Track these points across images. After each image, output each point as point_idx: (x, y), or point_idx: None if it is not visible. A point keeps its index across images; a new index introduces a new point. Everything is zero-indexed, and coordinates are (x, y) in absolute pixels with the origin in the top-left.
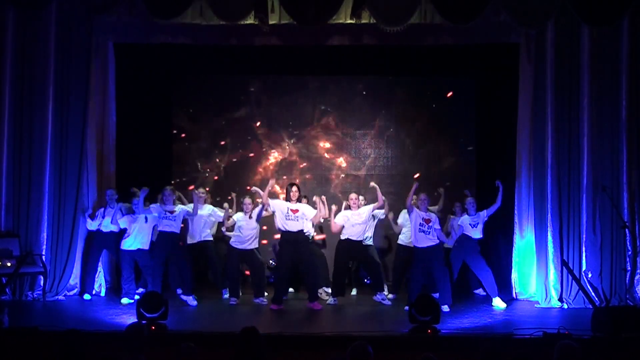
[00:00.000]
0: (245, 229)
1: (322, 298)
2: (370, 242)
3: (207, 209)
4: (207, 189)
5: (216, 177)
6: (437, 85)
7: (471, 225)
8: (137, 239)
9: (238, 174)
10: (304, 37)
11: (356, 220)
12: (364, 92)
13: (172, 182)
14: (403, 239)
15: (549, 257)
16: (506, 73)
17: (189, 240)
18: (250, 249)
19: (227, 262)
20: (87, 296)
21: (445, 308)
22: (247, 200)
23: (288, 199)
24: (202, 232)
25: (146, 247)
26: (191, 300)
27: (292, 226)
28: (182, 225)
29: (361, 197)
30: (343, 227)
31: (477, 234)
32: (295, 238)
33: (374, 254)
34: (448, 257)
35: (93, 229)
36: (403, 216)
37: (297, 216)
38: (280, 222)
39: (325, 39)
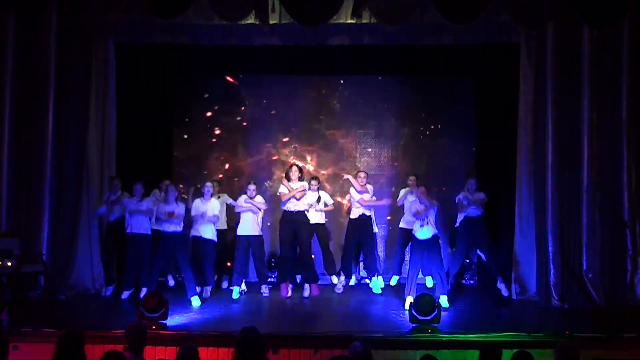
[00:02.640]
0: (247, 213)
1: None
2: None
3: (211, 207)
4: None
5: (218, 176)
6: (437, 85)
7: (467, 202)
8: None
9: (238, 174)
10: (305, 37)
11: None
12: (364, 92)
13: (172, 181)
14: (404, 223)
15: (550, 257)
16: (506, 73)
17: (193, 233)
18: (256, 235)
19: (236, 252)
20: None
21: (444, 300)
22: (252, 186)
23: (288, 178)
24: (202, 228)
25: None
26: (195, 300)
27: (292, 206)
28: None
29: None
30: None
31: (474, 212)
32: (295, 218)
33: (374, 243)
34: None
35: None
36: (402, 197)
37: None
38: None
39: (326, 38)
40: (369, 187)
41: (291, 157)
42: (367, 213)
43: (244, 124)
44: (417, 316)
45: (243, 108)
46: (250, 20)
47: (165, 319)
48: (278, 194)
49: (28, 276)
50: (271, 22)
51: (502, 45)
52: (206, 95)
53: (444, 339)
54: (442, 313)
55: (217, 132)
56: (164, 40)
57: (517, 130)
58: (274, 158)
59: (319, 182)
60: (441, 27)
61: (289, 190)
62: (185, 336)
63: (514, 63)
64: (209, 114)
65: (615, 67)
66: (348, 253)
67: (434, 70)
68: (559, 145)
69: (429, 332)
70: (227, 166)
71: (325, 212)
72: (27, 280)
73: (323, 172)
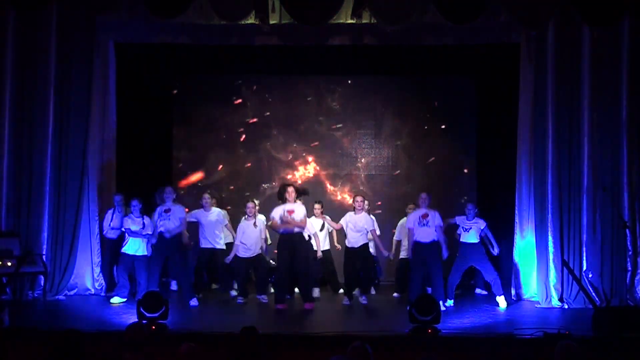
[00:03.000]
0: (248, 237)
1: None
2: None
3: (214, 214)
4: (213, 197)
5: (217, 177)
6: (437, 85)
7: (464, 228)
8: (135, 244)
9: (239, 174)
10: (305, 37)
11: (356, 226)
12: (364, 92)
13: (172, 181)
14: (404, 253)
15: (550, 257)
16: (506, 73)
17: (202, 244)
18: (255, 256)
19: (235, 270)
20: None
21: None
22: (250, 204)
23: (284, 200)
24: (214, 238)
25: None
26: (193, 301)
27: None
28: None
29: (366, 202)
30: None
31: (470, 238)
32: (292, 239)
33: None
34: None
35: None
36: (399, 229)
37: (294, 217)
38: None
39: (326, 38)
40: (371, 218)
41: (290, 156)
42: (365, 241)
43: (244, 124)
44: (417, 316)
45: (243, 108)
46: (250, 20)
47: (166, 319)
48: (269, 224)
49: (28, 276)
50: (271, 22)
51: (502, 45)
52: (206, 96)
53: (444, 338)
54: (441, 313)
55: (217, 132)
56: (164, 40)
57: (517, 130)
58: (274, 158)
59: (322, 207)
60: (441, 27)
61: (284, 221)
62: (185, 336)
63: (514, 63)
64: (209, 114)
65: (615, 67)
66: (350, 277)
67: (434, 70)
68: (559, 145)
69: (429, 332)
70: (226, 166)
71: (333, 234)
72: (27, 280)
73: (323, 172)
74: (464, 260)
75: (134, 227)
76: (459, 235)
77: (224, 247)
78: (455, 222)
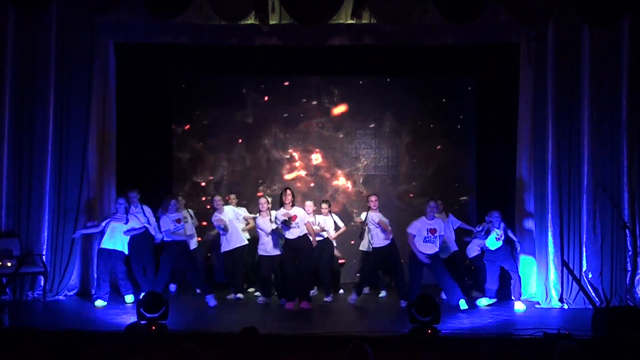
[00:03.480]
0: (264, 232)
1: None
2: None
3: (230, 213)
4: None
5: (214, 177)
6: (437, 85)
7: (497, 238)
8: (114, 239)
9: (239, 175)
10: (305, 37)
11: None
12: (364, 92)
13: (172, 181)
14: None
15: (550, 258)
16: (506, 73)
17: (224, 248)
18: (278, 255)
19: (261, 269)
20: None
21: (463, 304)
22: (263, 200)
23: (282, 204)
24: (236, 238)
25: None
26: (211, 300)
27: (293, 233)
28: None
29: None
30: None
31: (499, 243)
32: (296, 244)
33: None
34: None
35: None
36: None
37: (297, 222)
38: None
39: (326, 39)
40: (381, 216)
41: (290, 156)
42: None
43: (244, 124)
44: (417, 316)
45: (243, 108)
46: (250, 20)
47: (166, 319)
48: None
49: (28, 276)
50: (271, 22)
51: (502, 45)
52: (206, 96)
53: (444, 339)
54: (441, 313)
55: (217, 132)
56: (164, 40)
57: (517, 130)
58: (274, 158)
59: (329, 206)
60: (441, 27)
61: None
62: (185, 336)
63: (514, 63)
64: (209, 114)
65: (615, 67)
66: (371, 276)
67: (434, 70)
68: (559, 145)
69: (429, 332)
70: (226, 166)
71: (339, 235)
72: (27, 280)
73: (323, 172)
74: (495, 263)
75: (116, 224)
76: (483, 242)
77: (246, 241)
78: (486, 237)
